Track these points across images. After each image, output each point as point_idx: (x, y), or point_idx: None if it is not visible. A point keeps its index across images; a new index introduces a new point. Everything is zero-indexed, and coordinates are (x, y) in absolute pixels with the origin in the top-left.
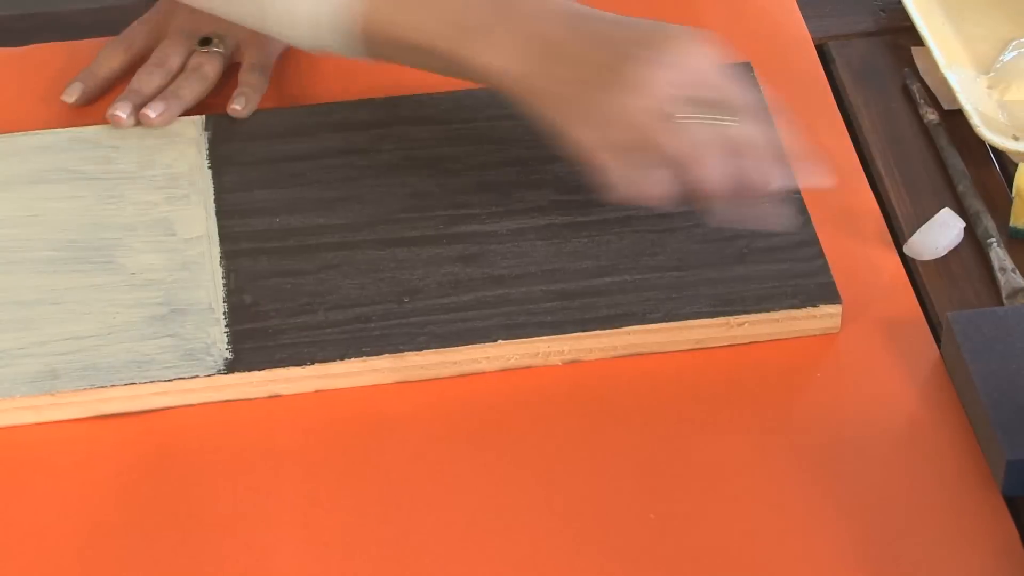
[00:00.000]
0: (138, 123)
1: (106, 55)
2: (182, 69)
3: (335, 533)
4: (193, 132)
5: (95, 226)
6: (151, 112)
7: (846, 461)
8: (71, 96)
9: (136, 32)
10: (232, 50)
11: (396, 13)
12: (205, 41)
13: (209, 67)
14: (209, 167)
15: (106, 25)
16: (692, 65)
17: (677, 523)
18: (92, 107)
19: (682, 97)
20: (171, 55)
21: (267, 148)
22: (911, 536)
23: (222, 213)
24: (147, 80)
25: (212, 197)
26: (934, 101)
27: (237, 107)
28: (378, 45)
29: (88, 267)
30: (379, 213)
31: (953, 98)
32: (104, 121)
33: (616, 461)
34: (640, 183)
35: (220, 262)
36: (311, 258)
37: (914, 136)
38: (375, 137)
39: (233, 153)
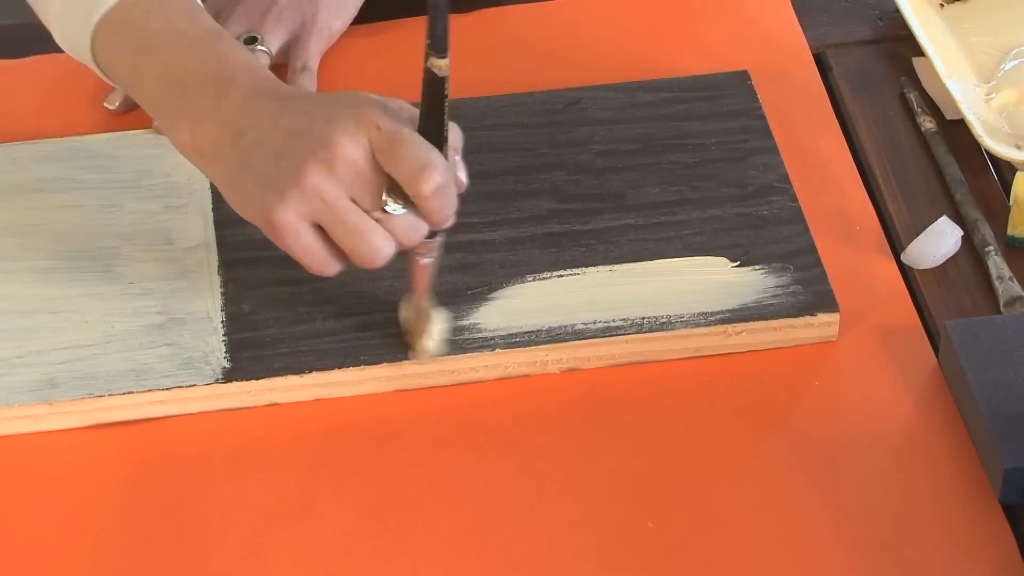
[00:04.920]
0: None
1: None
2: None
3: (333, 541)
4: None
5: (93, 235)
6: None
7: (844, 469)
8: (112, 103)
9: None
10: (276, 51)
11: (119, 54)
12: (250, 40)
13: None
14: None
15: None
16: (343, 160)
17: (675, 531)
18: (92, 117)
19: (332, 198)
20: None
21: None
22: (909, 544)
23: (220, 222)
24: None
25: (210, 206)
26: (931, 109)
27: None
28: (111, 77)
29: (86, 276)
30: None
31: (955, 108)
32: (106, 130)
33: (614, 469)
34: (311, 255)
35: (218, 271)
36: None
37: (912, 144)
38: None
39: None
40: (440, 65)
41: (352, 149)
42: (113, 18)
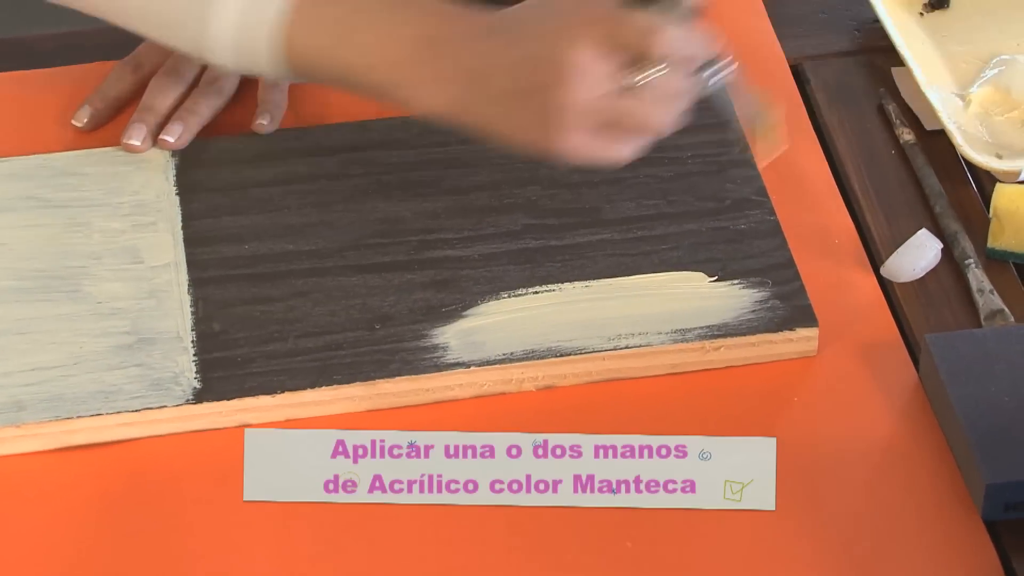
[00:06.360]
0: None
1: (115, 76)
2: (196, 82)
3: (308, 562)
4: (160, 158)
5: (61, 254)
6: (170, 137)
7: (823, 485)
8: (80, 120)
9: (145, 52)
10: None
11: (319, 38)
12: None
13: (225, 81)
14: (176, 193)
15: (69, 51)
16: (584, 71)
17: (654, 550)
18: (59, 135)
19: (595, 105)
20: (186, 66)
21: (235, 174)
22: (890, 561)
23: (190, 240)
24: (161, 95)
25: (179, 224)
26: (910, 121)
27: (264, 123)
28: (303, 71)
29: (54, 296)
30: (349, 239)
31: (935, 118)
32: (73, 147)
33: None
34: (608, 154)
35: (188, 290)
36: (280, 285)
37: (890, 156)
38: (345, 161)
39: (201, 179)
40: None
41: (586, 56)
42: (295, 22)
